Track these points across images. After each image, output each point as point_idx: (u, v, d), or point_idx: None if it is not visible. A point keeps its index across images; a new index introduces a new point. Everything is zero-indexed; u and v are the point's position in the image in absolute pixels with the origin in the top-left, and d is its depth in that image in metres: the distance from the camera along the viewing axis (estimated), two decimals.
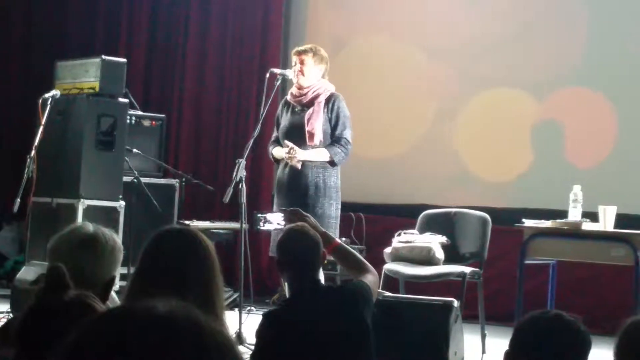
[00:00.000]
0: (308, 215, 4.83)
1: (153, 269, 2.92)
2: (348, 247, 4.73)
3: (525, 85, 8.68)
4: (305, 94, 6.65)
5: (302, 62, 6.65)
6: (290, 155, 6.49)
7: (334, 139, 6.60)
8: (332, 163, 6.59)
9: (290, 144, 6.51)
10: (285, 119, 6.71)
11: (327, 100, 6.63)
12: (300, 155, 6.49)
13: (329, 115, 6.61)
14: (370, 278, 4.32)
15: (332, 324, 4.01)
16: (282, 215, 5.47)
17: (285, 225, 5.09)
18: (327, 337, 3.99)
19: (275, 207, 6.65)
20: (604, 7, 8.46)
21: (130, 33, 10.25)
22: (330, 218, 6.46)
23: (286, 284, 4.31)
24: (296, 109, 6.67)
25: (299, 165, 6.49)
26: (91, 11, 10.39)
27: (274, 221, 5.66)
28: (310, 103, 6.62)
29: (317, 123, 6.55)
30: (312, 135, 6.54)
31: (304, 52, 6.71)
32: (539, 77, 8.63)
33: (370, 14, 9.43)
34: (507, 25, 8.80)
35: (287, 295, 4.26)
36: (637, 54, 8.32)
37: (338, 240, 4.66)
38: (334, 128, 6.61)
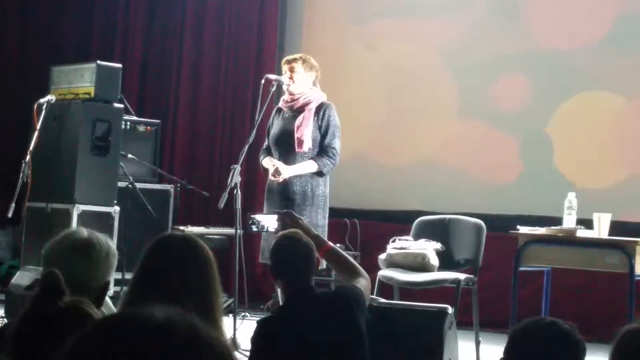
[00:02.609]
0: (301, 218, 4.83)
1: (153, 274, 2.92)
2: (340, 250, 4.72)
3: (523, 97, 8.71)
4: (296, 100, 6.66)
5: (292, 70, 6.66)
6: (275, 178, 6.51)
7: (322, 148, 6.61)
8: (319, 173, 6.60)
9: (276, 163, 6.52)
10: (276, 126, 6.72)
11: (318, 109, 6.64)
12: (286, 174, 6.50)
13: (319, 123, 6.62)
14: (363, 282, 4.30)
15: (326, 331, 4.01)
16: (276, 217, 5.49)
17: (277, 228, 5.09)
18: (322, 343, 3.99)
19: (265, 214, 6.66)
20: None
21: (126, 39, 10.26)
22: (317, 227, 6.46)
23: (280, 290, 4.31)
24: (287, 115, 6.68)
25: (281, 179, 6.52)
26: (87, 16, 10.39)
27: (267, 224, 5.66)
28: (301, 110, 6.63)
29: (306, 130, 6.56)
30: (301, 143, 6.55)
31: (294, 60, 6.73)
32: (539, 92, 8.66)
33: (367, 23, 9.44)
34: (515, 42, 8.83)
35: (281, 302, 4.26)
36: None
37: (330, 243, 4.65)
38: (323, 137, 6.62)
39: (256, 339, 4.03)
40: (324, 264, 5.10)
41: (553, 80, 8.60)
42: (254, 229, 5.75)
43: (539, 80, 8.65)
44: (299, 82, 6.65)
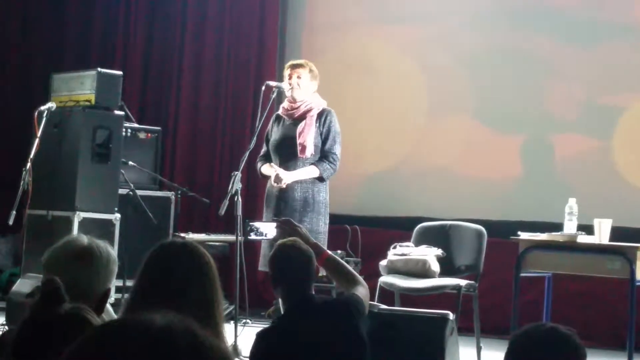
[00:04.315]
0: (299, 225, 4.82)
1: (154, 281, 2.92)
2: (338, 258, 4.70)
3: (528, 104, 8.72)
4: (297, 108, 6.66)
5: (298, 76, 6.66)
6: (278, 185, 6.51)
7: (323, 153, 6.62)
8: (320, 179, 6.60)
9: (277, 170, 6.53)
10: (276, 132, 6.73)
11: (320, 115, 6.65)
12: (287, 179, 6.50)
13: (321, 129, 6.63)
14: (362, 291, 4.29)
15: (328, 339, 3.99)
16: (274, 224, 5.50)
17: (276, 235, 5.09)
18: (324, 352, 3.97)
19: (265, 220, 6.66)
20: None
21: (126, 45, 10.26)
22: (318, 234, 6.46)
23: (280, 299, 4.29)
24: (287, 122, 6.68)
25: (284, 185, 6.52)
26: (87, 24, 10.40)
27: (266, 231, 5.67)
28: (302, 117, 6.64)
29: (309, 136, 6.57)
30: (303, 148, 6.56)
31: (300, 66, 6.73)
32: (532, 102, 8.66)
33: (367, 28, 9.44)
34: (508, 38, 8.83)
35: (282, 309, 4.24)
36: None
37: (328, 251, 4.64)
38: (323, 142, 6.63)
39: (256, 352, 4.00)
40: (324, 271, 5.10)
41: (552, 84, 8.61)
42: (253, 236, 5.75)
43: (539, 85, 8.66)
44: (304, 88, 6.66)
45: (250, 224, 5.71)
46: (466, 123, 8.91)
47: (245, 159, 6.61)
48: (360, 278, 4.41)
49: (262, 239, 6.13)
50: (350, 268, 4.56)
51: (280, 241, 4.37)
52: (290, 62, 6.90)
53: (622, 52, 8.37)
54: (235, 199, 6.35)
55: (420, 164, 9.09)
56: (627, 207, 8.03)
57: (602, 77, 8.43)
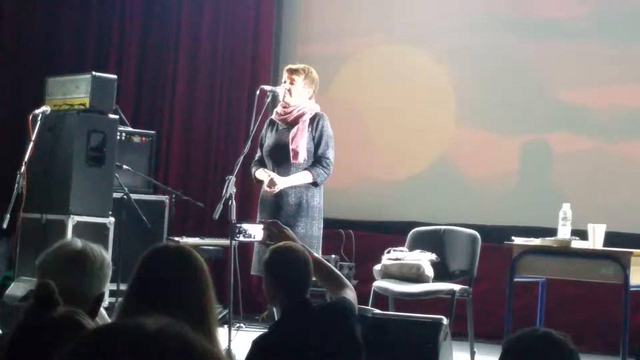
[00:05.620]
0: (286, 227, 4.79)
1: (147, 285, 2.92)
2: (325, 261, 4.67)
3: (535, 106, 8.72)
4: (290, 112, 6.64)
5: (291, 81, 6.65)
6: (271, 189, 6.50)
7: (316, 158, 6.59)
8: (314, 183, 6.59)
9: (271, 175, 6.52)
10: (269, 138, 6.71)
11: (312, 120, 6.63)
12: (281, 184, 6.49)
13: (313, 134, 6.61)
14: (350, 294, 4.27)
15: (324, 343, 3.98)
16: (261, 226, 5.49)
17: (263, 237, 5.07)
18: (321, 356, 3.96)
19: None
20: None
21: (121, 49, 10.26)
22: (312, 238, 6.44)
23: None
24: (281, 128, 6.67)
25: (277, 190, 6.51)
26: (82, 27, 10.39)
27: (253, 232, 5.67)
28: (295, 122, 6.62)
29: (301, 141, 6.55)
30: (296, 154, 6.54)
31: (296, 71, 6.69)
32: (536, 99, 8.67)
33: (360, 36, 9.45)
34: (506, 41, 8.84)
35: (277, 315, 4.22)
36: None
37: (315, 254, 4.60)
38: (316, 147, 6.61)
39: (252, 357, 3.97)
40: None
41: (548, 86, 8.62)
42: (241, 237, 5.75)
43: (534, 89, 8.67)
44: (296, 94, 6.64)
45: (238, 225, 5.70)
46: (460, 128, 8.92)
47: (240, 163, 6.61)
48: (347, 281, 4.40)
49: (251, 241, 6.12)
50: (337, 271, 4.54)
51: (274, 245, 4.34)
52: (288, 66, 6.87)
53: (621, 53, 8.39)
54: (230, 203, 6.35)
55: (414, 169, 9.09)
56: (621, 212, 8.03)
57: (598, 80, 8.44)
